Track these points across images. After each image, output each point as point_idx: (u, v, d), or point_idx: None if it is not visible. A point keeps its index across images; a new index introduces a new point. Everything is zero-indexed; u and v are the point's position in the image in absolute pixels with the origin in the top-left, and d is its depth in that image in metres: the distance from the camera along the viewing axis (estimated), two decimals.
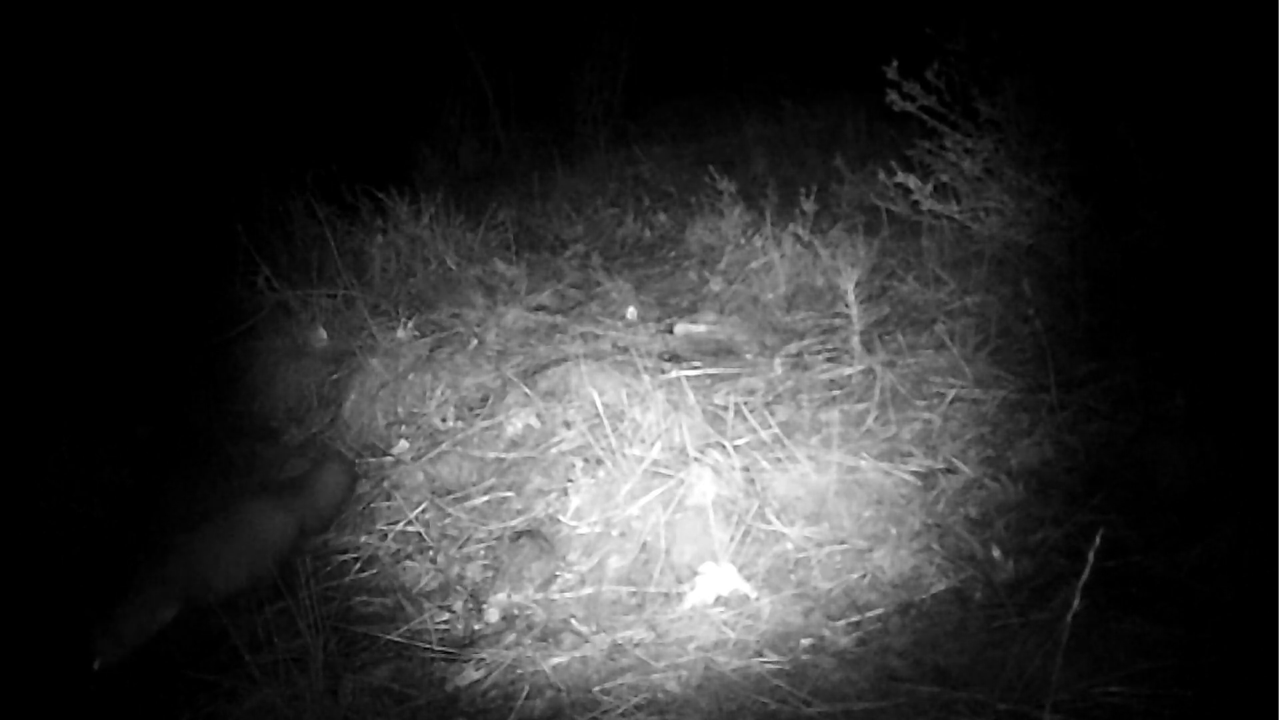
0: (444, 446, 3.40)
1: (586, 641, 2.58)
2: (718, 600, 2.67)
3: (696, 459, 3.01)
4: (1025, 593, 2.51)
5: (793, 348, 3.68)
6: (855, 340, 3.47)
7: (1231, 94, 3.38)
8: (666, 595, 2.72)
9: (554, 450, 3.28)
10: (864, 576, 2.68)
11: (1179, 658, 2.23)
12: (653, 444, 3.10)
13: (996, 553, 2.63)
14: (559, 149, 5.88)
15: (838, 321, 3.70)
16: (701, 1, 6.54)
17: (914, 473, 2.97)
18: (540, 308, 4.17)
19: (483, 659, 2.56)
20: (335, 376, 3.92)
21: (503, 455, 3.33)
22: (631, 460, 3.06)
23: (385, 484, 3.32)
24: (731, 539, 2.79)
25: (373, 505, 3.26)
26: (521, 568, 2.86)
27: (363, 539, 3.13)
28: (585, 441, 3.22)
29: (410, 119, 5.97)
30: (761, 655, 2.47)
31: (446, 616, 2.76)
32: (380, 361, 3.81)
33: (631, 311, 4.07)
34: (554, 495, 3.11)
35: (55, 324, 4.02)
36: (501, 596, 2.80)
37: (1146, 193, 3.58)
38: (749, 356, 3.69)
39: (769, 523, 2.84)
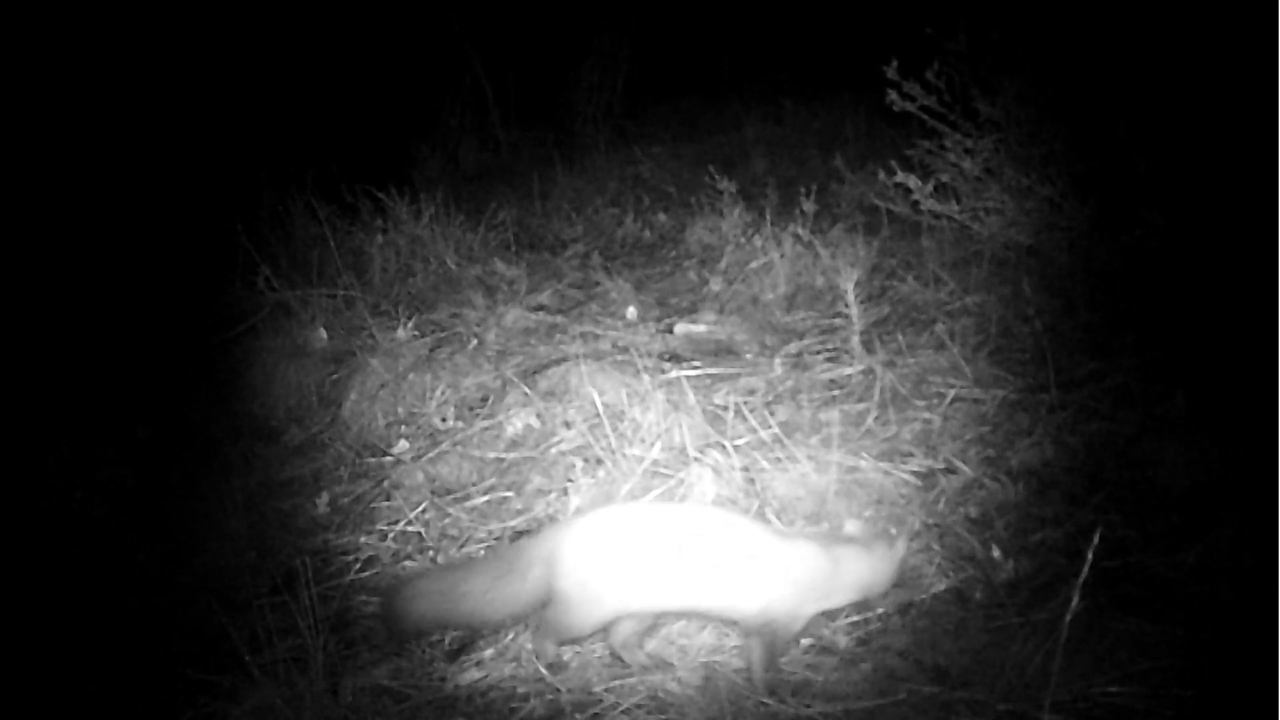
0: (444, 446, 3.40)
1: (586, 641, 2.58)
2: None
3: (696, 459, 3.01)
4: (1025, 593, 2.51)
5: (793, 348, 3.68)
6: (855, 340, 3.47)
7: (1231, 94, 3.39)
8: None
9: (554, 450, 3.28)
10: None
11: (1179, 658, 2.23)
12: (653, 444, 3.10)
13: (996, 553, 2.63)
14: (559, 149, 5.88)
15: (838, 321, 3.70)
16: (701, 1, 6.55)
17: (914, 473, 2.97)
18: (540, 308, 4.17)
19: (483, 659, 2.56)
20: (335, 376, 3.92)
21: (503, 455, 3.33)
22: (631, 460, 3.06)
23: (385, 484, 3.32)
24: None
25: (373, 505, 3.26)
26: None
27: (363, 539, 3.12)
28: (585, 441, 3.22)
29: (410, 119, 5.97)
30: None
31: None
32: (380, 361, 3.81)
33: (631, 311, 4.07)
34: (554, 495, 3.11)
35: (55, 324, 4.02)
36: None
37: (1146, 193, 3.58)
38: (749, 356, 3.68)
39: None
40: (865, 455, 3.02)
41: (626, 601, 2.35)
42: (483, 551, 2.99)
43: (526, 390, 3.50)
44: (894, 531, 2.75)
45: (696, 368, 3.58)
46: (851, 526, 2.49)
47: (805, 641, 2.51)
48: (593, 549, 2.35)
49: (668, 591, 2.33)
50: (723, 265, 4.35)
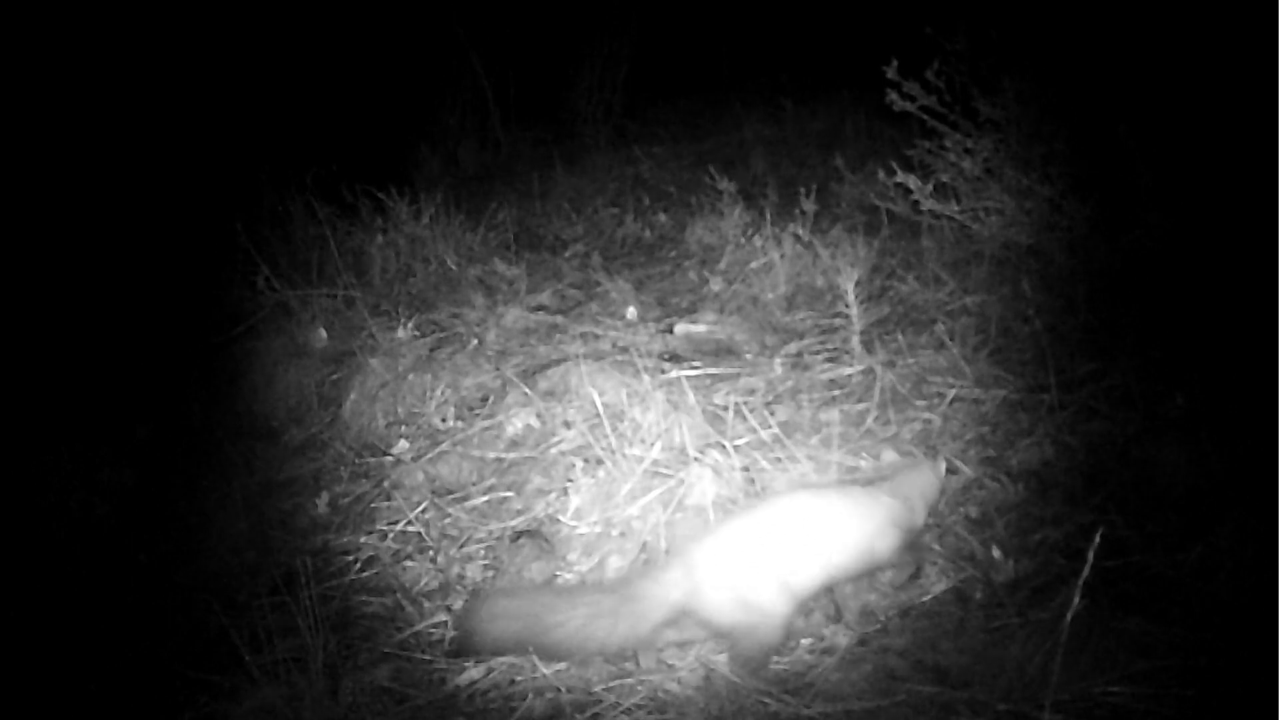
0: (444, 446, 3.40)
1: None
2: None
3: (696, 459, 3.01)
4: (1025, 593, 2.51)
5: (793, 348, 3.68)
6: (855, 340, 3.48)
7: (1231, 94, 3.39)
8: None
9: (554, 450, 3.28)
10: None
11: (1179, 658, 2.23)
12: (653, 444, 3.10)
13: (996, 553, 2.63)
14: (559, 149, 5.88)
15: (838, 321, 3.70)
16: (701, 1, 6.54)
17: None
18: (540, 308, 4.17)
19: (483, 659, 2.56)
20: (335, 376, 3.92)
21: (503, 455, 3.33)
22: (631, 460, 3.06)
23: (385, 484, 3.32)
24: None
25: (373, 505, 3.26)
26: (521, 568, 2.86)
27: (363, 539, 3.13)
28: (585, 441, 3.22)
29: (410, 119, 5.97)
30: None
31: (446, 616, 2.76)
32: (380, 361, 3.81)
33: (631, 311, 4.07)
34: (554, 495, 3.11)
35: (55, 324, 4.02)
36: None
37: (1146, 193, 3.58)
38: (749, 356, 3.69)
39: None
40: (865, 455, 3.02)
41: (791, 597, 2.42)
42: (483, 551, 3.00)
43: (526, 390, 3.50)
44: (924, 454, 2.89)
45: (696, 368, 3.58)
46: (890, 454, 2.77)
47: (805, 641, 2.52)
48: (738, 569, 2.40)
49: (816, 572, 2.45)
50: (723, 265, 4.35)
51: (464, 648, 2.54)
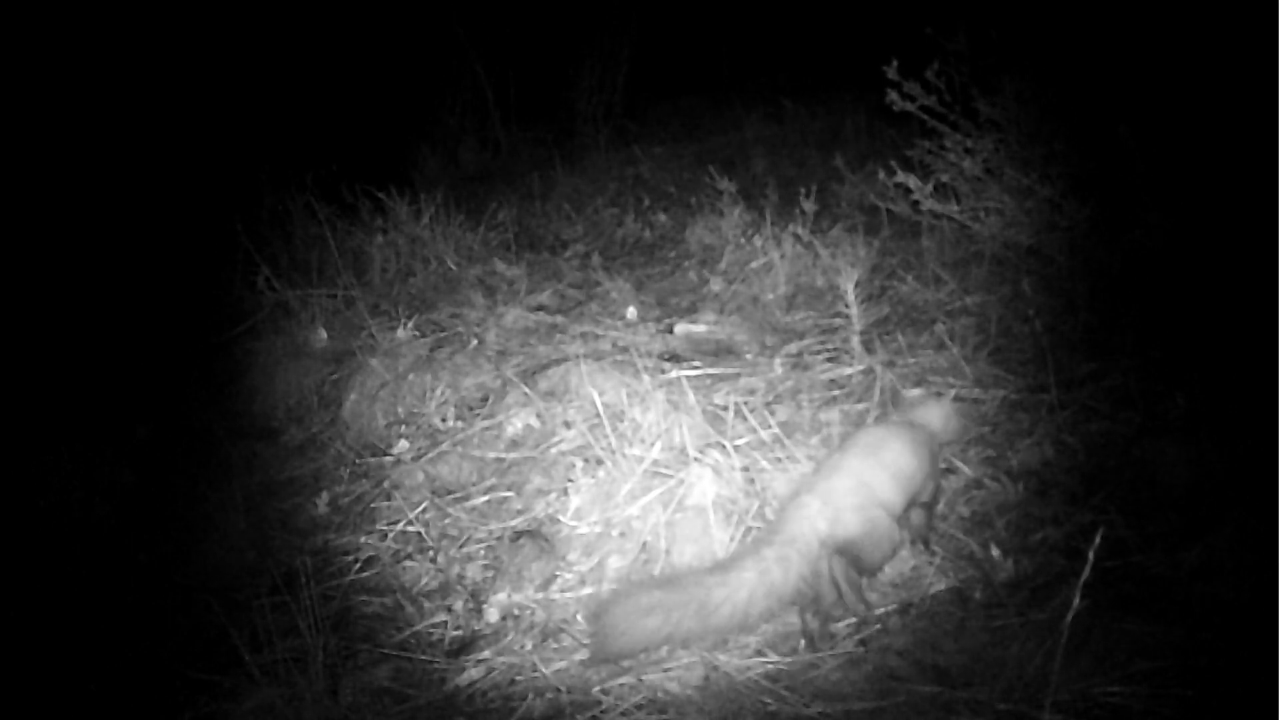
0: (444, 446, 3.40)
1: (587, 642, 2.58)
2: None
3: (696, 459, 3.01)
4: (1025, 592, 2.52)
5: (793, 348, 3.68)
6: (855, 340, 3.47)
7: (1231, 94, 3.39)
8: None
9: (554, 450, 3.28)
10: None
11: (1179, 658, 2.23)
12: (653, 444, 3.10)
13: (996, 552, 2.63)
14: (559, 149, 5.88)
15: (838, 321, 3.70)
16: (701, 1, 6.55)
17: None
18: (540, 308, 4.17)
19: (483, 659, 2.56)
20: (335, 376, 3.93)
21: (503, 455, 3.33)
22: (631, 460, 3.06)
23: (385, 484, 3.32)
24: (731, 539, 2.79)
25: (373, 505, 3.26)
26: (521, 568, 2.87)
27: (363, 539, 3.13)
28: (585, 441, 3.22)
29: (410, 119, 5.97)
30: (761, 655, 2.48)
31: (446, 616, 2.77)
32: (380, 361, 3.81)
33: (631, 311, 4.07)
34: (554, 495, 3.11)
35: (55, 324, 4.03)
36: (501, 596, 2.80)
37: (1146, 193, 3.58)
38: (749, 356, 3.68)
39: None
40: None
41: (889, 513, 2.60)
42: (483, 551, 2.99)
43: (526, 390, 3.50)
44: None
45: (696, 368, 3.58)
46: (912, 393, 3.05)
47: (803, 642, 2.51)
48: (857, 490, 2.54)
49: (913, 494, 2.65)
50: (723, 265, 4.35)
51: (602, 654, 2.45)
